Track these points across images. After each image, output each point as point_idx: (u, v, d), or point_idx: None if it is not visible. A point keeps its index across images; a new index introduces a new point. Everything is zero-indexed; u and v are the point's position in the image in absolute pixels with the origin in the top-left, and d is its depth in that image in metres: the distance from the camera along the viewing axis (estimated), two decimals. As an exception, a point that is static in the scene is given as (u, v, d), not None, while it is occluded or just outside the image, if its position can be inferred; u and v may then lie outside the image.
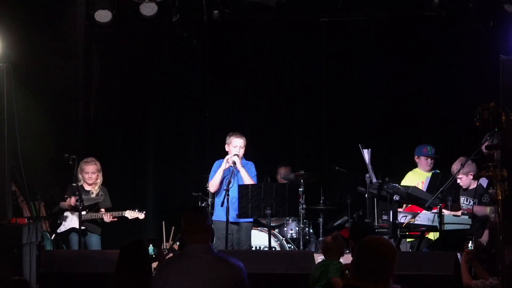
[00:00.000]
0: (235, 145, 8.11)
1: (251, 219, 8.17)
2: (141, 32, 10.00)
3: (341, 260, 5.82)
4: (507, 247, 5.16)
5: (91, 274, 6.62)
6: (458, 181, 7.91)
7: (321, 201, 9.35)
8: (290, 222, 9.34)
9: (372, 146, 8.24)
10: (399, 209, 7.98)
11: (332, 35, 10.20)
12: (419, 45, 10.04)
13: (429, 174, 8.66)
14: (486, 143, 6.45)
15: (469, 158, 7.60)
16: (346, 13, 9.89)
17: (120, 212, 8.59)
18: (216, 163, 8.27)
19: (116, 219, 8.59)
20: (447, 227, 7.54)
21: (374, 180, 8.05)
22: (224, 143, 8.25)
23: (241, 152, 8.13)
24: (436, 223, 7.47)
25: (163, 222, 9.19)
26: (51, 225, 8.65)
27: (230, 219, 7.92)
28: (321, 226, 9.37)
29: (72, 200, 8.37)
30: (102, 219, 8.56)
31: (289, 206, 7.91)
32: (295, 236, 9.25)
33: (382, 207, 7.96)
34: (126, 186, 10.12)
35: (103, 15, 9.15)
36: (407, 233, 7.89)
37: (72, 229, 8.53)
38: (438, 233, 7.81)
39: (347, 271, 4.73)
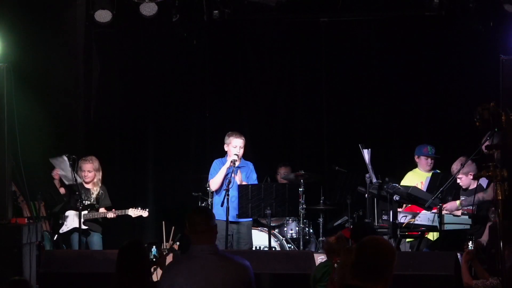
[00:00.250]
0: (235, 145, 8.12)
1: (250, 218, 8.17)
2: (141, 32, 10.00)
3: None
4: (507, 247, 5.17)
5: (91, 274, 6.62)
6: (458, 181, 7.91)
7: (321, 201, 9.35)
8: (290, 222, 9.34)
9: (372, 146, 8.24)
10: (399, 209, 7.98)
11: (332, 35, 10.20)
12: (419, 45, 10.04)
13: (429, 174, 8.66)
14: (486, 143, 6.45)
15: (469, 158, 7.60)
16: (346, 13, 9.89)
17: (123, 211, 8.60)
18: (216, 161, 8.27)
19: (115, 216, 8.60)
20: (447, 227, 7.54)
21: (374, 180, 8.05)
22: (224, 142, 8.25)
23: (241, 152, 8.14)
24: (436, 223, 7.48)
25: (163, 222, 9.18)
26: (52, 225, 8.64)
27: (230, 219, 7.94)
28: (321, 226, 9.37)
29: (55, 173, 8.36)
30: (104, 217, 8.57)
31: (289, 206, 7.91)
32: (295, 236, 9.25)
33: (382, 207, 7.96)
34: (126, 186, 10.12)
35: (103, 15, 9.15)
36: (407, 233, 7.89)
37: (75, 229, 8.53)
38: (437, 233, 7.82)
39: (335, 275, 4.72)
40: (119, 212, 8.60)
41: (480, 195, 7.58)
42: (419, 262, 6.53)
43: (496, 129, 4.91)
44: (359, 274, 3.74)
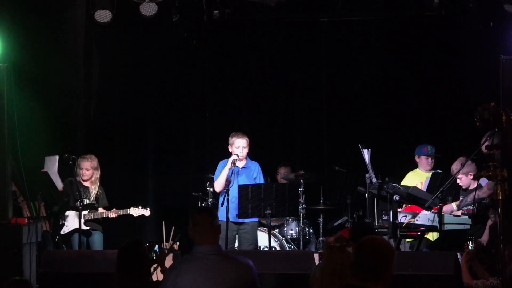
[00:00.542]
0: (238, 145, 8.14)
1: (255, 219, 8.18)
2: (141, 32, 9.99)
3: None
4: (507, 247, 5.17)
5: (91, 274, 6.62)
6: (458, 181, 7.91)
7: (321, 201, 9.34)
8: (290, 222, 9.34)
9: (372, 146, 8.24)
10: (399, 209, 7.98)
11: (332, 35, 10.20)
12: (419, 45, 10.04)
13: (429, 175, 8.66)
14: (486, 143, 6.45)
15: (469, 158, 7.60)
16: (346, 13, 9.89)
17: (124, 210, 8.61)
18: (221, 162, 8.27)
19: (116, 215, 8.60)
20: (447, 227, 7.54)
21: (374, 180, 8.05)
22: (225, 143, 8.26)
23: (244, 152, 8.15)
24: (436, 223, 7.48)
25: (163, 222, 9.18)
26: (53, 226, 8.63)
27: (232, 219, 7.95)
28: (321, 226, 9.37)
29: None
30: (105, 217, 8.58)
31: (289, 206, 7.92)
32: (295, 236, 9.24)
33: (382, 207, 7.96)
34: (126, 186, 10.11)
35: (103, 15, 9.14)
36: (407, 233, 7.89)
37: (76, 230, 8.53)
38: (437, 233, 7.82)
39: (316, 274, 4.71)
40: (121, 212, 8.60)
41: (473, 194, 7.59)
42: (419, 262, 6.52)
43: (496, 129, 4.91)
44: (359, 274, 3.74)
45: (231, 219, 8.00)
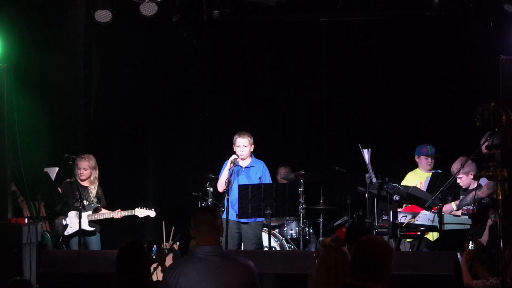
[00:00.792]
0: (238, 144, 8.18)
1: (261, 219, 8.18)
2: (141, 32, 10.00)
3: None
4: (507, 247, 5.17)
5: (91, 274, 6.62)
6: (458, 180, 7.90)
7: (321, 201, 9.34)
8: (290, 222, 9.34)
9: (372, 146, 8.24)
10: (399, 209, 7.97)
11: (332, 35, 10.20)
12: (419, 45, 10.04)
13: (429, 174, 8.65)
14: (486, 143, 6.45)
15: (469, 158, 7.60)
16: (346, 13, 9.89)
17: (130, 211, 8.60)
18: (226, 162, 8.28)
19: (121, 216, 8.61)
20: (447, 227, 7.54)
21: (374, 180, 8.05)
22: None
23: (245, 151, 8.16)
24: (436, 223, 7.47)
25: (163, 222, 9.18)
26: (54, 226, 8.61)
27: (235, 219, 7.96)
28: (321, 226, 9.36)
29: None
30: (111, 218, 8.59)
31: (289, 206, 7.92)
32: (295, 236, 9.24)
33: (382, 207, 7.96)
34: (126, 186, 10.12)
35: (103, 15, 9.14)
36: (406, 233, 7.89)
37: (81, 231, 8.52)
38: (437, 233, 7.81)
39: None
40: (126, 213, 8.60)
41: (472, 194, 7.59)
42: (419, 262, 6.53)
43: (496, 129, 4.90)
44: (358, 274, 3.74)
45: (233, 219, 8.00)
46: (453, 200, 7.92)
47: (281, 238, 9.08)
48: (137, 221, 9.16)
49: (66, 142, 9.58)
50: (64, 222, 8.52)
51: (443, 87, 10.02)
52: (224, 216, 7.82)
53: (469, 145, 7.94)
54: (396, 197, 7.71)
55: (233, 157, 8.05)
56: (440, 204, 7.47)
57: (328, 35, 10.19)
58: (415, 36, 10.02)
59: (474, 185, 7.89)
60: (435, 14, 9.51)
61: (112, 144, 10.26)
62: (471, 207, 7.74)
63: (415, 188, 7.98)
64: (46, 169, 8.50)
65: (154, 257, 5.11)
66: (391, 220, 7.60)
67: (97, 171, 8.74)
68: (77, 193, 8.23)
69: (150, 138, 10.41)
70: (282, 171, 9.94)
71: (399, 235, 7.67)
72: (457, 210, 7.81)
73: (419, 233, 7.91)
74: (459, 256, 6.58)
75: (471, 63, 9.51)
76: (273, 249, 8.35)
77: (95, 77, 10.19)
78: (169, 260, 6.18)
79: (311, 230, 9.39)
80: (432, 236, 8.24)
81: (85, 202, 8.45)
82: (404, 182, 8.70)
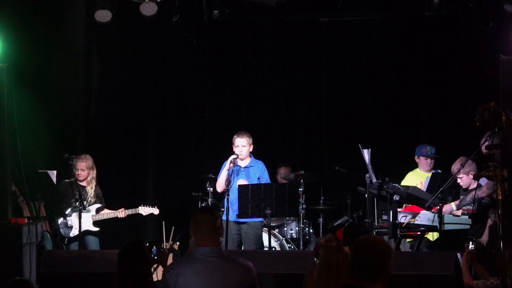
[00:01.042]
0: (237, 144, 8.18)
1: (260, 219, 8.18)
2: (141, 32, 9.99)
3: None
4: (507, 247, 5.17)
5: (91, 274, 6.61)
6: (459, 180, 7.90)
7: (321, 201, 9.34)
8: (290, 222, 9.34)
9: (372, 146, 8.23)
10: (399, 209, 7.97)
11: (332, 35, 10.20)
12: (419, 45, 10.04)
13: (429, 175, 8.65)
14: (486, 143, 6.45)
15: (469, 158, 7.60)
16: (346, 13, 9.89)
17: (133, 210, 8.62)
18: (225, 162, 8.28)
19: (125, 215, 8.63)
20: (447, 227, 7.54)
21: (374, 180, 8.04)
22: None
23: (244, 150, 8.16)
24: (436, 223, 7.47)
25: (163, 222, 9.18)
26: (57, 227, 8.60)
27: (235, 219, 7.96)
28: (321, 226, 9.36)
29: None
30: (116, 217, 8.61)
31: (289, 206, 7.92)
32: (295, 236, 9.24)
33: (382, 207, 7.95)
34: (126, 186, 10.12)
35: (103, 15, 9.14)
36: (407, 233, 7.88)
37: (86, 232, 8.54)
38: (437, 233, 7.81)
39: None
40: (130, 211, 8.62)
41: (472, 193, 7.59)
42: (419, 262, 6.52)
43: (496, 129, 4.90)
44: (357, 273, 3.74)
45: (232, 219, 8.00)
46: (453, 200, 7.92)
47: (281, 238, 9.08)
48: (137, 221, 9.18)
49: (66, 142, 9.57)
50: (69, 224, 8.52)
51: (443, 87, 10.02)
52: (224, 216, 7.81)
53: (469, 145, 7.94)
54: (396, 197, 7.71)
55: (233, 157, 8.05)
56: (440, 204, 7.47)
57: (328, 35, 10.19)
58: (415, 36, 10.02)
59: (474, 185, 7.89)
60: (435, 14, 9.51)
61: (112, 144, 10.26)
62: (471, 207, 7.74)
63: (415, 188, 7.98)
64: (41, 172, 8.50)
65: (155, 257, 5.10)
66: (391, 220, 7.60)
67: (95, 171, 8.74)
68: (77, 193, 8.24)
69: (150, 138, 10.41)
70: (282, 171, 9.94)
71: (399, 235, 7.67)
72: (457, 210, 7.81)
73: (419, 233, 7.91)
74: (459, 256, 6.58)
75: (471, 63, 9.50)
76: (273, 249, 8.35)
77: (95, 77, 10.19)
78: (169, 260, 6.18)
79: (311, 230, 9.39)
80: (432, 236, 8.24)
81: (84, 203, 8.46)
82: (404, 182, 8.70)
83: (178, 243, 8.88)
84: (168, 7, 9.32)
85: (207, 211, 4.85)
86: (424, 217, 7.62)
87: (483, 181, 7.77)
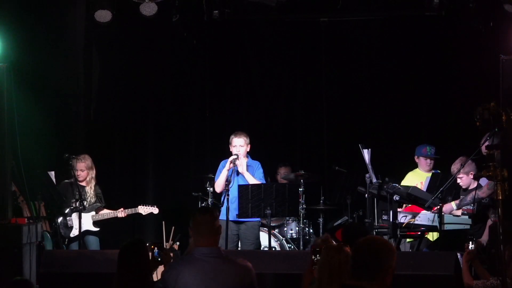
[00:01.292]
0: (235, 144, 8.15)
1: (257, 219, 8.18)
2: (141, 32, 9.99)
3: None
4: (507, 247, 5.17)
5: (91, 274, 6.62)
6: (458, 180, 7.90)
7: (321, 201, 9.34)
8: (290, 222, 9.34)
9: (372, 146, 8.24)
10: (399, 209, 7.98)
11: (332, 35, 10.20)
12: (419, 45, 10.04)
13: (429, 175, 8.65)
14: (486, 143, 6.45)
15: (469, 158, 7.60)
16: (346, 13, 9.89)
17: (133, 209, 8.62)
18: (222, 163, 8.27)
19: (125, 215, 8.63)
20: (447, 227, 7.54)
21: (374, 180, 8.04)
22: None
23: (242, 150, 8.14)
24: (436, 223, 7.47)
25: (163, 222, 9.19)
26: (57, 228, 8.60)
27: (233, 219, 7.95)
28: (321, 226, 9.36)
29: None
30: (116, 217, 8.61)
31: (289, 206, 7.91)
32: (295, 236, 9.24)
33: (382, 207, 7.95)
34: (126, 186, 10.12)
35: (103, 15, 9.14)
36: (407, 233, 7.88)
37: (86, 232, 8.55)
38: (437, 233, 7.81)
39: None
40: (129, 211, 8.62)
41: (472, 193, 7.60)
42: (419, 262, 6.52)
43: (496, 129, 4.90)
44: (356, 273, 3.75)
45: (231, 219, 7.99)
46: (453, 200, 7.92)
47: (281, 238, 9.08)
48: (137, 221, 9.18)
49: (66, 142, 9.57)
50: (69, 224, 8.52)
51: (443, 87, 10.01)
52: (224, 217, 7.80)
53: (469, 145, 7.94)
54: (396, 197, 7.71)
55: (233, 157, 8.05)
56: (440, 204, 7.47)
57: (328, 35, 10.19)
58: (415, 36, 10.02)
59: (474, 185, 7.89)
60: (435, 14, 9.50)
61: (112, 144, 10.26)
62: (471, 207, 7.74)
63: (415, 188, 7.98)
64: (41, 172, 8.50)
65: (159, 259, 5.09)
66: (391, 220, 7.60)
67: (94, 171, 8.75)
68: (76, 193, 8.24)
69: (150, 138, 10.41)
70: (282, 171, 9.94)
71: (399, 235, 7.67)
72: (457, 209, 7.81)
73: (419, 233, 7.91)
74: (459, 256, 6.58)
75: (471, 63, 9.49)
76: (273, 249, 8.35)
77: (95, 77, 10.19)
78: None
79: (311, 230, 9.39)
80: (432, 236, 8.24)
81: (84, 203, 8.46)
82: (404, 182, 8.70)
83: (178, 243, 8.89)
84: (168, 7, 9.32)
85: (207, 211, 4.85)
86: (424, 217, 7.62)
87: (483, 181, 7.78)
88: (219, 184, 8.19)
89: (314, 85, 10.47)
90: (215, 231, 4.61)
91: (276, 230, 9.23)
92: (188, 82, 10.47)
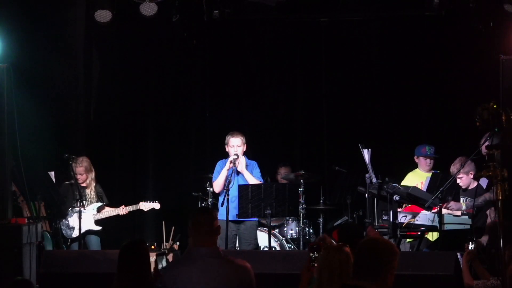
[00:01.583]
0: (232, 144, 8.13)
1: (254, 219, 8.18)
2: (141, 32, 9.99)
3: None
4: (507, 247, 5.16)
5: (91, 274, 6.61)
6: (458, 181, 7.90)
7: (321, 201, 9.35)
8: (290, 222, 9.34)
9: (372, 146, 8.23)
10: (399, 209, 7.97)
11: (332, 35, 10.20)
12: (419, 45, 10.04)
13: (429, 175, 8.64)
14: (486, 143, 6.45)
15: (468, 158, 7.60)
16: (346, 13, 9.89)
17: (134, 206, 8.63)
18: (219, 163, 8.27)
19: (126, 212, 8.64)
20: (447, 227, 7.54)
21: (374, 180, 8.04)
22: (225, 143, 8.26)
23: (239, 150, 8.14)
24: (436, 223, 7.47)
25: (163, 222, 9.19)
26: (58, 229, 8.60)
27: (232, 218, 7.95)
28: (321, 226, 9.37)
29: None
30: (117, 215, 8.62)
31: (289, 206, 7.91)
32: (295, 236, 9.24)
33: (382, 207, 7.95)
34: (126, 186, 10.12)
35: (103, 15, 9.14)
36: (407, 233, 7.89)
37: (88, 231, 8.55)
38: (436, 233, 7.81)
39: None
40: (131, 208, 8.63)
41: (486, 195, 7.60)
42: (419, 262, 6.52)
43: (496, 129, 4.90)
44: (357, 273, 3.76)
45: (230, 219, 8.00)
46: (453, 200, 7.92)
47: (281, 238, 9.08)
48: (138, 221, 9.17)
49: (66, 142, 9.58)
50: (70, 225, 8.52)
51: (443, 87, 10.01)
52: (223, 217, 7.80)
53: (469, 145, 7.94)
54: (396, 197, 7.71)
55: (233, 156, 8.04)
56: (441, 204, 7.47)
57: (328, 35, 10.19)
58: (415, 36, 10.03)
59: (474, 184, 7.90)
60: (435, 14, 9.51)
61: (112, 144, 10.26)
62: (472, 208, 7.75)
63: (415, 188, 7.98)
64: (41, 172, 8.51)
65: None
66: (391, 220, 7.60)
67: (93, 173, 8.76)
68: (77, 193, 8.24)
69: (150, 138, 10.42)
70: (282, 171, 9.94)
71: (399, 235, 7.67)
72: (467, 209, 7.82)
73: (419, 233, 7.91)
74: (459, 256, 6.58)
75: (471, 63, 9.50)
76: (273, 249, 8.35)
77: (95, 77, 10.19)
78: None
79: (311, 230, 9.39)
80: (432, 236, 8.24)
81: (84, 203, 8.47)
82: (404, 182, 8.69)
83: (178, 243, 8.88)
84: (168, 7, 9.32)
85: (205, 211, 4.85)
86: (424, 217, 7.62)
87: (483, 181, 7.78)
88: (218, 184, 8.17)
89: (314, 85, 10.48)
90: (213, 231, 4.61)
91: (276, 230, 9.23)
92: (188, 82, 10.47)
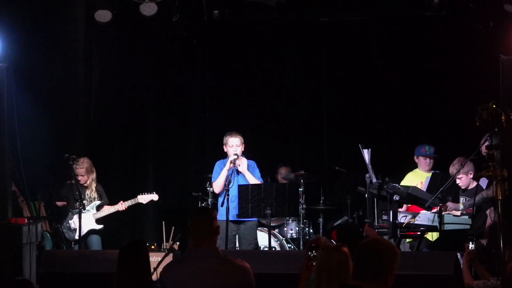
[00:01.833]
0: (231, 144, 8.13)
1: (254, 218, 8.18)
2: (141, 32, 9.99)
3: None
4: (507, 247, 5.16)
5: (91, 274, 6.62)
6: (458, 181, 7.91)
7: (321, 201, 9.34)
8: (290, 222, 9.34)
9: (372, 146, 8.24)
10: (399, 209, 7.98)
11: (332, 35, 10.20)
12: (419, 45, 10.04)
13: (429, 175, 8.65)
14: (486, 143, 6.45)
15: (468, 158, 7.60)
16: (346, 13, 9.89)
17: (133, 200, 8.64)
18: (218, 163, 8.27)
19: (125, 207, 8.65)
20: (447, 227, 7.54)
21: (374, 180, 8.05)
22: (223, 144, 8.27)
23: (239, 150, 8.14)
24: (436, 223, 7.47)
25: (163, 222, 9.19)
26: (60, 230, 8.60)
27: (232, 218, 7.95)
28: (321, 226, 9.37)
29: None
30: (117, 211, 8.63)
31: (289, 206, 7.91)
32: (295, 236, 9.24)
33: (382, 207, 7.96)
34: (125, 186, 10.11)
35: (103, 15, 9.13)
36: (406, 233, 7.89)
37: (91, 231, 8.55)
38: (436, 233, 7.81)
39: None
40: (129, 202, 8.64)
41: (484, 193, 7.60)
42: (419, 262, 6.52)
43: (496, 129, 4.90)
44: (358, 273, 3.76)
45: (230, 219, 8.00)
46: (453, 200, 7.93)
47: (281, 238, 9.08)
48: (138, 221, 9.16)
49: (66, 142, 9.58)
50: (72, 226, 8.53)
51: (443, 87, 10.01)
52: (223, 217, 7.80)
53: (468, 145, 7.94)
54: (396, 197, 7.72)
55: (233, 156, 8.04)
56: (440, 204, 7.48)
57: (328, 35, 10.19)
58: (415, 36, 10.02)
59: (473, 184, 7.90)
60: (435, 14, 9.50)
61: (112, 144, 10.26)
62: (471, 208, 7.76)
63: (415, 188, 7.98)
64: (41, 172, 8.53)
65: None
66: (391, 220, 7.61)
67: (94, 173, 8.77)
68: (77, 193, 8.24)
69: (150, 138, 10.42)
70: (282, 171, 9.94)
71: (399, 235, 7.67)
72: (465, 209, 7.82)
73: (419, 233, 7.91)
74: (459, 256, 6.58)
75: (471, 63, 9.49)
76: (273, 249, 8.35)
77: (95, 77, 10.19)
78: (169, 260, 6.17)
79: (311, 230, 9.39)
80: (432, 236, 8.24)
81: (85, 202, 8.47)
82: (404, 182, 8.70)
83: (178, 243, 8.87)
84: (168, 7, 9.32)
85: (205, 212, 4.85)
86: (424, 217, 7.62)
87: (483, 181, 7.78)
88: (218, 185, 8.17)
89: (314, 85, 10.47)
90: (213, 231, 4.61)
91: (276, 230, 9.23)
92: (188, 82, 10.47)
